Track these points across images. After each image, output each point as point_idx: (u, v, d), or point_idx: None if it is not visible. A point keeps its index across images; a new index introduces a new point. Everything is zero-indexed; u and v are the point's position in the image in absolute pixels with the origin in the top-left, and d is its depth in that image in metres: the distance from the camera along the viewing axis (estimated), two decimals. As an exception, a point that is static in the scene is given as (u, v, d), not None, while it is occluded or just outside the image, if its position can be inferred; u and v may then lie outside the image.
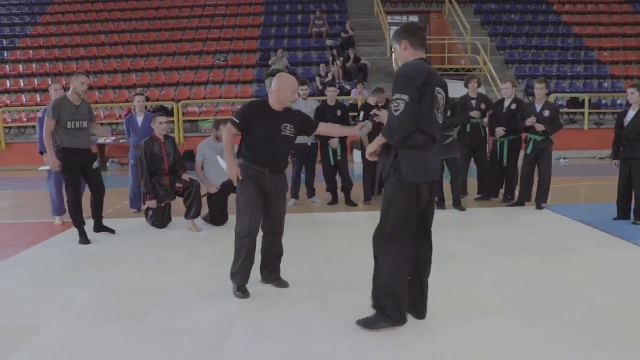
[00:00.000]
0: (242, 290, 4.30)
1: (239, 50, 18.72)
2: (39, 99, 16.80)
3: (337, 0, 21.48)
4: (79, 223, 6.16)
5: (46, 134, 6.02)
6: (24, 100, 17.08)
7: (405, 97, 3.32)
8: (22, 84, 17.77)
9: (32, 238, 6.47)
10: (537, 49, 18.99)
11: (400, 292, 3.51)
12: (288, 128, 4.35)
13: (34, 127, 16.07)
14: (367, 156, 3.65)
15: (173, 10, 20.97)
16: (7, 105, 16.57)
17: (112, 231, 6.54)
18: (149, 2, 21.58)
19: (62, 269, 5.22)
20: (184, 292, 4.42)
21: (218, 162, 6.84)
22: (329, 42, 18.51)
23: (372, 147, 3.59)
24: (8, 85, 17.81)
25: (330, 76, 16.34)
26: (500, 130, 7.83)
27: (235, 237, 4.28)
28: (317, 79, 16.31)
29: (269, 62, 17.27)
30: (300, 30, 19.70)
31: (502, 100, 8.06)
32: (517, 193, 7.90)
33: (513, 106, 7.86)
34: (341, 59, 17.19)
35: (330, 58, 17.34)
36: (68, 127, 6.02)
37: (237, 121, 4.22)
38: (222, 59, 18.22)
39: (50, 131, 6.02)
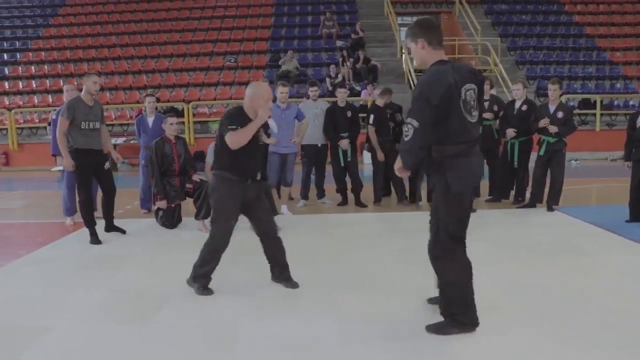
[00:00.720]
0: (208, 290, 4.39)
1: (249, 51, 18.76)
2: (50, 100, 16.92)
3: (347, 1, 21.49)
4: (90, 223, 6.20)
5: (60, 135, 6.07)
6: (36, 101, 17.22)
7: (415, 123, 3.22)
8: (34, 85, 17.92)
9: (44, 238, 6.52)
10: (549, 49, 18.90)
11: (467, 297, 3.49)
12: (262, 137, 4.39)
13: (45, 128, 16.25)
14: (396, 172, 3.53)
15: (184, 12, 21.06)
16: (19, 107, 16.71)
17: (123, 231, 6.57)
18: (159, 3, 21.69)
19: (73, 269, 5.25)
20: (193, 292, 4.43)
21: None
22: (339, 43, 18.51)
23: (400, 162, 3.45)
24: (20, 86, 17.96)
25: (340, 77, 16.34)
26: (511, 132, 7.79)
27: (210, 244, 4.30)
28: (328, 80, 16.31)
29: (279, 63, 17.30)
30: (311, 32, 19.72)
31: (513, 101, 8.01)
32: (528, 195, 7.86)
33: (524, 107, 7.81)
34: (351, 60, 17.19)
35: (341, 59, 17.34)
36: (82, 127, 6.06)
37: (236, 127, 4.18)
38: (232, 60, 18.27)
39: (63, 132, 6.07)
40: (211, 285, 4.45)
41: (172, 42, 19.39)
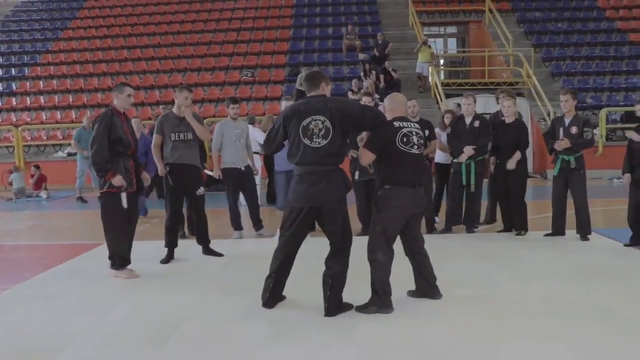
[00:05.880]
0: None
1: (267, 65, 18.97)
2: (59, 117, 17.24)
3: (370, 12, 21.66)
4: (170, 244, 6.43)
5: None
6: (44, 117, 17.55)
7: None
8: (42, 101, 18.27)
9: (50, 260, 6.61)
10: (587, 59, 18.72)
11: None
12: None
13: (53, 145, 16.58)
14: None
15: (198, 24, 21.39)
16: (26, 123, 17.03)
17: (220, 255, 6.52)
18: (173, 15, 22.08)
19: (83, 292, 5.30)
20: (208, 317, 4.45)
21: None
22: (361, 56, 18.61)
23: None
24: (28, 102, 18.33)
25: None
26: (470, 150, 7.28)
27: None
28: (349, 94, 16.38)
29: (297, 86, 16.87)
30: (332, 44, 19.89)
31: (462, 117, 7.59)
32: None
33: (476, 124, 7.42)
34: (373, 72, 17.24)
35: (362, 73, 17.44)
36: (172, 139, 6.47)
37: None
38: (249, 75, 18.46)
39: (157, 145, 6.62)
40: (233, 309, 4.46)
41: (185, 55, 19.69)
